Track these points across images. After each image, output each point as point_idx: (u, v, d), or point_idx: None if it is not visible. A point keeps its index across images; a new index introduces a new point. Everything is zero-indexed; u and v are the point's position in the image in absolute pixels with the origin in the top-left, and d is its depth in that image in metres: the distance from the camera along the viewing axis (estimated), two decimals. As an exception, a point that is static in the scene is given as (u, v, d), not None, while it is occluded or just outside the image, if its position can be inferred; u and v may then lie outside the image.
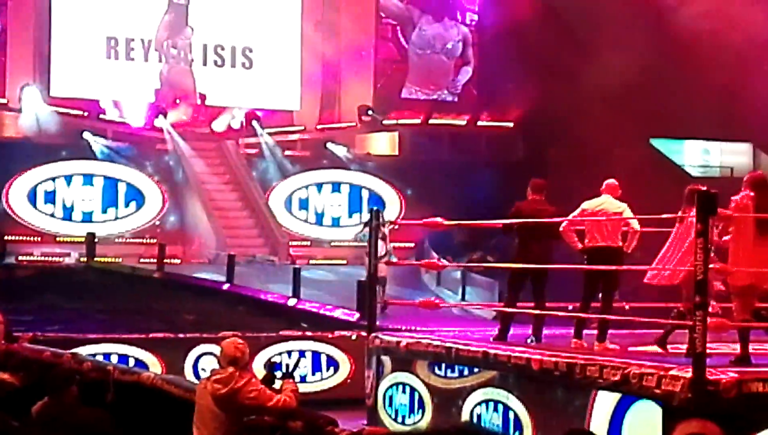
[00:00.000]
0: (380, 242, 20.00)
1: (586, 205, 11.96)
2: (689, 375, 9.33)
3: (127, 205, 29.25)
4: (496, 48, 32.52)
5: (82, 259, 25.99)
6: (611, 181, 12.12)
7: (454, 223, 15.01)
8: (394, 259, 17.96)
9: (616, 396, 9.96)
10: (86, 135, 29.83)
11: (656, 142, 31.25)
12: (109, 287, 22.17)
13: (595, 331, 11.83)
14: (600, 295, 11.98)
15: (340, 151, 31.91)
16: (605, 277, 11.80)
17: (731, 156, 32.47)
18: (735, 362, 10.23)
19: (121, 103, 31.36)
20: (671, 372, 9.54)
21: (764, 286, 10.42)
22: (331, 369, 17.03)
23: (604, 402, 10.03)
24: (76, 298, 21.01)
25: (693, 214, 9.97)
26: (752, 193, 10.47)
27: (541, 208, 12.51)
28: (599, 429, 9.87)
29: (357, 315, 18.72)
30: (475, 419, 11.46)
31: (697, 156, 32.66)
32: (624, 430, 9.91)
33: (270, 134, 31.59)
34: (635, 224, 11.82)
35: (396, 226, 24.21)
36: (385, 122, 32.56)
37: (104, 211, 29.00)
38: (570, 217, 12.00)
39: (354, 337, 16.31)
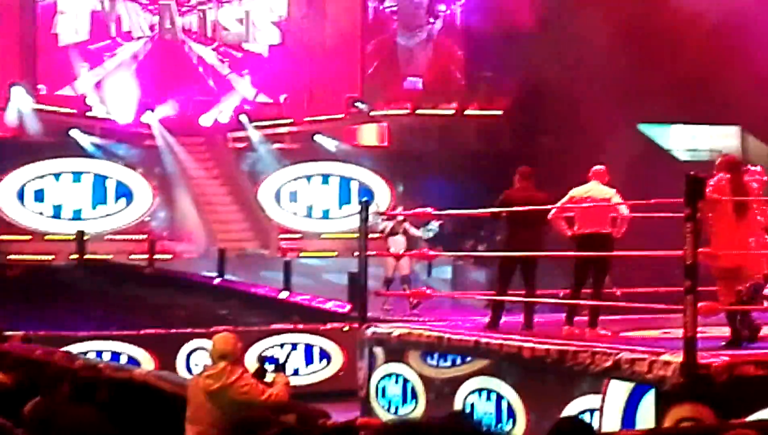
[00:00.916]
0: (399, 237, 20.07)
1: (574, 192, 11.97)
2: (680, 359, 9.35)
3: (116, 201, 29.20)
4: (483, 36, 32.50)
5: (72, 257, 25.94)
6: (599, 167, 12.13)
7: (443, 213, 15.01)
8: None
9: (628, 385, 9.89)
10: (74, 132, 29.76)
11: (644, 128, 31.27)
12: (100, 284, 22.12)
13: (587, 317, 11.86)
14: (591, 281, 12.00)
15: (329, 143, 31.90)
16: (595, 264, 11.82)
17: (719, 139, 32.51)
18: (726, 345, 10.27)
19: (107, 99, 31.29)
20: (662, 357, 9.57)
21: (748, 268, 10.43)
22: (324, 361, 17.07)
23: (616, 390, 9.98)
24: (67, 296, 20.96)
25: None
26: (728, 176, 10.52)
27: (531, 195, 12.51)
28: (612, 417, 9.85)
29: (349, 307, 18.73)
30: (468, 408, 11.48)
31: (685, 140, 32.67)
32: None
33: (258, 128, 31.57)
34: (624, 210, 11.84)
35: (386, 217, 24.23)
36: (372, 113, 32.54)
37: (94, 209, 28.95)
38: (558, 204, 12.02)
39: (346, 328, 16.34)
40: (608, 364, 9.98)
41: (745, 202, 10.52)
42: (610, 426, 9.74)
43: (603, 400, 9.92)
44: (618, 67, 27.26)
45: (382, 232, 20.55)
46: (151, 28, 32.61)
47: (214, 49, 33.13)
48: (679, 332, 9.51)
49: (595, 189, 11.92)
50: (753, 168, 11.35)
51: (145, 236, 27.85)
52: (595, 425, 9.69)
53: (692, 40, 26.74)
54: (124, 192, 29.27)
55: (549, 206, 12.13)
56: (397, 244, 20.47)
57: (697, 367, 9.30)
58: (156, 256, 25.28)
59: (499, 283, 12.92)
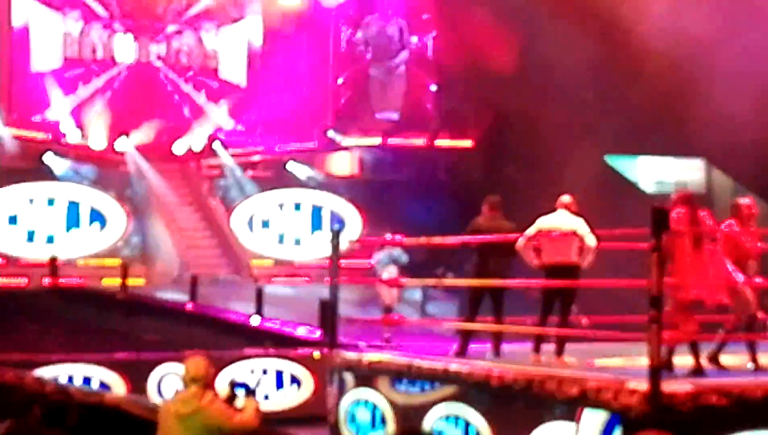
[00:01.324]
0: (392, 267, 20.14)
1: (541, 221, 12.12)
2: (645, 388, 9.51)
3: (90, 226, 29.20)
4: (453, 68, 32.74)
5: (45, 281, 25.93)
6: (566, 197, 12.28)
7: (413, 242, 15.13)
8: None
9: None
10: (48, 157, 29.77)
11: (610, 159, 31.54)
12: (73, 309, 22.12)
13: (554, 346, 12.00)
14: (558, 310, 12.16)
15: (301, 171, 32.04)
16: (562, 293, 11.97)
17: (685, 172, 32.80)
18: (689, 374, 10.45)
19: (82, 125, 31.33)
20: (627, 385, 9.71)
21: (707, 300, 10.67)
22: (294, 386, 17.14)
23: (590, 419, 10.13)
24: (39, 320, 20.94)
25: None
26: (684, 209, 10.79)
27: (499, 224, 12.69)
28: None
29: (319, 332, 18.82)
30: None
31: (651, 172, 32.96)
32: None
33: (231, 155, 31.69)
34: (591, 240, 11.99)
35: (357, 245, 24.38)
36: (344, 143, 32.71)
37: (67, 233, 28.94)
38: (526, 233, 12.17)
39: (317, 354, 16.41)
40: (574, 391, 10.11)
41: (703, 234, 10.77)
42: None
43: (577, 429, 10.02)
44: (585, 99, 27.56)
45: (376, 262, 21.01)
46: (127, 54, 32.69)
47: (189, 78, 33.22)
48: (645, 361, 9.67)
49: (562, 219, 12.08)
50: (743, 201, 11.58)
51: (117, 261, 27.86)
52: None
53: (658, 73, 27.04)
54: (97, 217, 29.28)
55: (518, 235, 12.29)
56: (391, 273, 21.01)
57: (662, 396, 9.44)
58: (128, 281, 25.28)
59: (468, 311, 13.07)
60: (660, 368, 9.60)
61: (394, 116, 33.95)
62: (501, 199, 13.09)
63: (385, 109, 34.00)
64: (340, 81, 34.02)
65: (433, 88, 34.13)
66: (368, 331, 16.90)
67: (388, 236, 20.98)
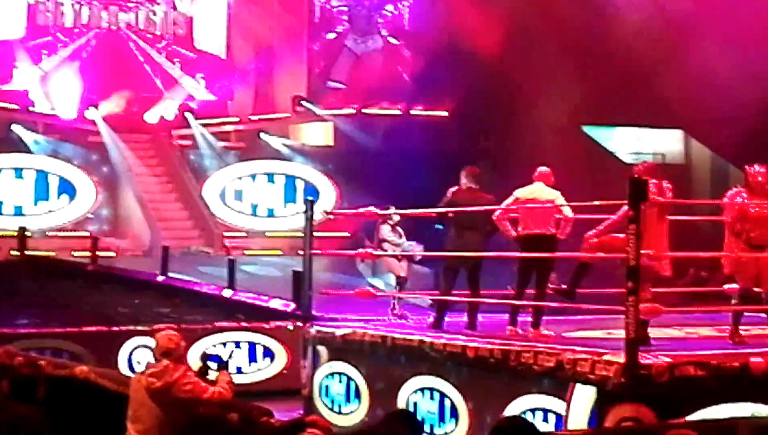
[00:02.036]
0: (390, 234, 19.10)
1: (519, 192, 12.02)
2: (622, 360, 9.43)
3: (59, 198, 28.93)
4: (430, 37, 32.57)
5: (13, 253, 25.67)
6: (544, 168, 12.18)
7: (388, 213, 15.02)
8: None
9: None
10: (16, 127, 29.43)
11: (588, 130, 31.50)
12: (42, 281, 21.90)
13: (530, 318, 11.92)
14: (535, 282, 12.05)
15: (275, 141, 31.82)
16: (539, 265, 11.87)
17: (663, 142, 32.83)
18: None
19: (51, 95, 30.99)
20: (604, 357, 9.64)
21: (661, 271, 10.60)
22: (267, 359, 17.02)
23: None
24: (8, 292, 20.71)
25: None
26: (655, 181, 10.75)
27: (477, 196, 12.56)
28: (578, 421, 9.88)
29: (293, 305, 18.68)
30: (411, 407, 11.49)
31: (629, 143, 32.94)
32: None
33: (203, 125, 31.42)
34: (568, 211, 11.89)
35: (331, 217, 24.21)
36: (319, 112, 32.49)
37: (36, 205, 28.67)
38: (503, 205, 12.06)
39: (290, 327, 16.28)
40: (551, 364, 10.03)
41: (666, 206, 10.71)
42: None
43: (568, 408, 9.90)
44: (564, 69, 27.45)
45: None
46: (96, 23, 32.31)
47: (162, 48, 32.88)
48: (622, 333, 9.58)
49: (539, 190, 11.97)
50: (752, 168, 11.48)
51: (87, 233, 27.61)
52: (545, 427, 9.73)
53: (637, 44, 26.98)
54: (66, 188, 29.01)
55: (495, 207, 12.17)
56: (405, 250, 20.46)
57: (638, 368, 9.37)
58: (99, 254, 25.04)
59: (443, 283, 12.95)
60: (637, 340, 9.52)
61: (341, 86, 33.62)
62: (480, 170, 12.95)
63: (333, 83, 33.72)
64: (315, 49, 33.77)
65: (409, 56, 33.95)
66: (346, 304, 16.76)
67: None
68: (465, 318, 12.63)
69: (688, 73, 25.88)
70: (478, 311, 12.62)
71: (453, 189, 12.88)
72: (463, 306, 12.90)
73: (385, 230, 16.85)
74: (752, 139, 28.25)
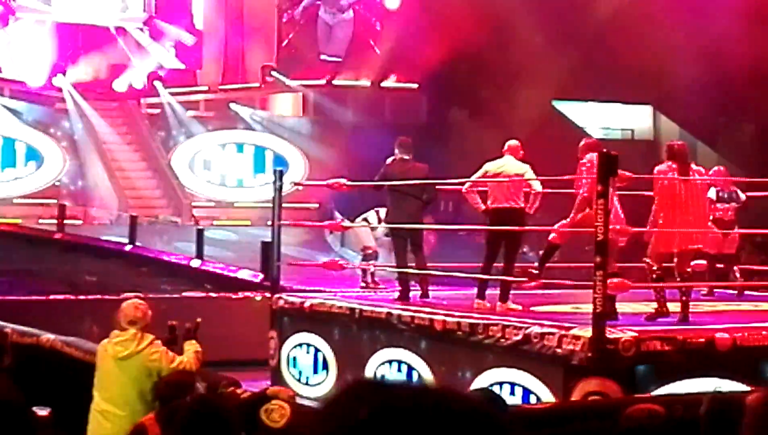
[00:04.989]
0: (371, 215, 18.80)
1: (488, 166, 12.03)
2: (589, 334, 9.47)
3: (26, 165, 28.72)
4: (400, 8, 32.46)
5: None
6: (513, 141, 12.20)
7: (356, 184, 15.04)
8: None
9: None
10: (-18, 94, 29.20)
11: (558, 104, 31.53)
12: (8, 249, 21.76)
13: (498, 292, 11.95)
14: (503, 255, 12.08)
15: (244, 111, 31.69)
16: (507, 238, 11.89)
17: (632, 118, 32.91)
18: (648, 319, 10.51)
19: (18, 60, 30.68)
20: (572, 331, 9.68)
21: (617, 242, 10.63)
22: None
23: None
24: (-26, 260, 20.61)
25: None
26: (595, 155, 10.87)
27: (410, 166, 12.69)
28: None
29: (261, 276, 18.65)
30: (378, 379, 11.50)
31: (599, 118, 33.01)
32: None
33: (172, 94, 31.23)
34: (537, 185, 11.91)
35: (300, 187, 24.17)
36: (289, 83, 32.37)
37: (2, 172, 28.44)
38: (473, 178, 12.07)
39: (258, 298, 16.26)
40: (518, 337, 10.08)
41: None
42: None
43: (535, 380, 9.96)
44: (534, 43, 27.45)
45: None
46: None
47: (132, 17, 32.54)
48: (590, 308, 9.62)
49: (508, 164, 11.98)
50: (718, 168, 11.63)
51: (54, 201, 27.44)
52: (512, 400, 9.77)
53: (607, 19, 27.00)
54: (33, 155, 28.81)
55: (464, 180, 12.21)
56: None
57: (605, 342, 9.42)
58: (66, 222, 24.90)
59: (396, 256, 13.04)
60: (605, 315, 9.57)
61: (338, 59, 33.54)
62: (411, 140, 13.12)
63: (330, 52, 33.56)
64: (284, 18, 33.55)
65: (379, 28, 33.81)
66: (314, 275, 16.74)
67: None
68: (417, 289, 12.73)
69: (657, 49, 25.92)
70: (428, 282, 12.73)
71: (388, 160, 13.06)
72: (434, 280, 12.98)
73: (372, 216, 16.94)
74: (719, 115, 28.42)
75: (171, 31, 31.86)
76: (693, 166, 11.35)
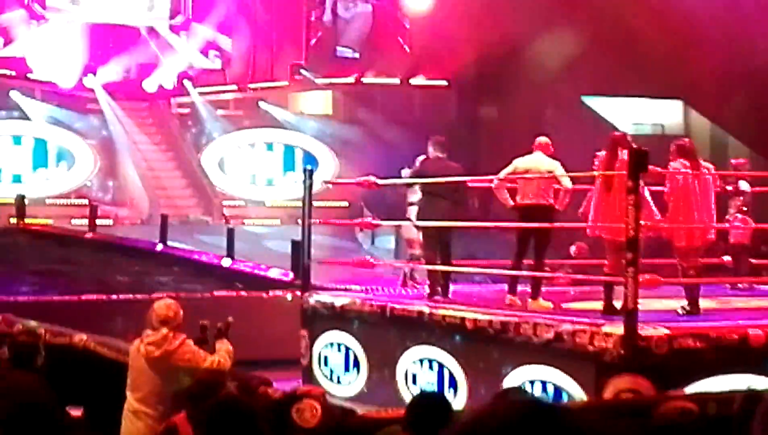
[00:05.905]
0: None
1: (518, 162, 12.00)
2: (621, 331, 9.43)
3: (57, 165, 28.86)
4: (429, 7, 32.40)
5: (12, 221, 25.63)
6: (543, 138, 12.16)
7: (387, 183, 15.01)
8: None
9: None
10: (14, 94, 29.33)
11: (588, 100, 31.39)
12: (40, 249, 21.86)
13: (529, 289, 11.91)
14: (533, 252, 12.04)
15: (273, 110, 31.73)
16: (537, 235, 11.86)
17: (663, 114, 32.71)
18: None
19: (49, 62, 30.82)
20: (603, 329, 9.64)
21: (617, 238, 10.50)
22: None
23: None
24: (7, 260, 20.69)
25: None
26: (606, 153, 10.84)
27: (445, 164, 12.66)
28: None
29: (292, 275, 18.67)
30: (410, 378, 11.50)
31: (629, 114, 32.82)
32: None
33: (202, 93, 31.30)
34: (567, 182, 11.87)
35: (330, 186, 24.19)
36: (318, 81, 32.38)
37: (34, 172, 28.60)
38: (502, 174, 12.04)
39: (289, 296, 16.27)
40: (550, 335, 10.05)
41: (615, 178, 10.70)
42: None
43: (567, 378, 9.92)
44: (564, 39, 27.33)
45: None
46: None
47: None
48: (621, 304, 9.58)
49: (538, 160, 11.95)
50: (735, 161, 11.59)
51: (86, 201, 27.56)
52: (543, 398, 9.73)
53: (638, 13, 26.86)
54: (65, 156, 28.95)
55: (489, 178, 12.19)
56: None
57: (637, 339, 9.38)
58: (97, 222, 25.01)
59: (426, 254, 13.03)
60: (636, 311, 9.53)
61: (355, 54, 33.39)
62: (446, 139, 13.08)
63: (343, 44, 33.46)
64: (313, 17, 33.56)
65: (408, 25, 33.76)
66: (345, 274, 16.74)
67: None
68: (461, 287, 12.70)
69: (688, 43, 25.77)
70: (450, 280, 12.71)
71: (421, 158, 13.04)
72: (463, 277, 12.96)
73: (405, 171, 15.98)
74: (751, 110, 28.22)
75: (207, 32, 31.95)
76: (702, 162, 11.36)
